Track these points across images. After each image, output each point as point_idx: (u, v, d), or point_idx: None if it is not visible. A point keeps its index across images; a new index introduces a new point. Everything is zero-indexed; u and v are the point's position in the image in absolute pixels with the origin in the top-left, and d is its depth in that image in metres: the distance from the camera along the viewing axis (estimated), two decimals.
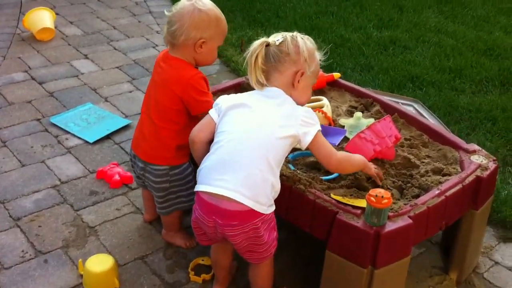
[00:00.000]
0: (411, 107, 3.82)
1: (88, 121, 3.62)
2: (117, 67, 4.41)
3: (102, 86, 4.09)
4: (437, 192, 2.20)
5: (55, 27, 4.98)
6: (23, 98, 3.86)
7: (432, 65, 4.68)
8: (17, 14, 5.21)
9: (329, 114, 2.78)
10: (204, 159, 2.09)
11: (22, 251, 2.59)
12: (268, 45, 2.09)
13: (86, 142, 3.41)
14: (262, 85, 2.12)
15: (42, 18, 4.74)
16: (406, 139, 2.64)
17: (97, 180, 3.09)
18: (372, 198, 1.98)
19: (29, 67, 4.32)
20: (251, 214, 2.00)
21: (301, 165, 2.44)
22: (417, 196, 2.25)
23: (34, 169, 3.15)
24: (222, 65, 4.59)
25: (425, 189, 2.28)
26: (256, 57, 2.08)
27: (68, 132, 3.49)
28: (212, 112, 2.16)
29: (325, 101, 2.84)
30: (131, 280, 2.47)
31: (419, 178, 2.36)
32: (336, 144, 2.59)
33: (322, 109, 2.76)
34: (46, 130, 3.51)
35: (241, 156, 2.00)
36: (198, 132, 2.17)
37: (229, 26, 4.74)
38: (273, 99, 2.10)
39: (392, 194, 2.24)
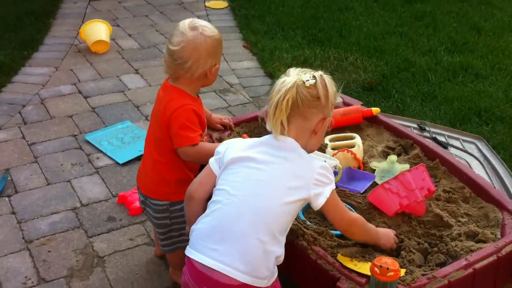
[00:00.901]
0: (473, 145, 3.46)
1: (123, 140, 3.53)
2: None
3: (146, 103, 4.00)
4: (464, 263, 1.88)
5: (113, 39, 4.98)
6: (65, 112, 3.84)
7: (505, 97, 4.24)
8: (78, 25, 5.26)
9: (360, 155, 2.50)
10: (198, 219, 1.84)
11: (26, 277, 2.51)
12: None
13: (117, 162, 3.31)
14: (280, 133, 1.81)
15: (97, 31, 4.75)
16: (444, 191, 2.32)
17: (118, 205, 2.98)
18: (376, 269, 1.70)
19: (78, 80, 4.32)
20: (246, 287, 1.74)
21: (314, 213, 2.19)
22: (442, 264, 1.94)
23: (58, 188, 3.09)
24: (272, 86, 4.36)
25: (453, 257, 1.96)
26: (287, 100, 1.74)
27: (100, 151, 3.41)
28: (212, 163, 1.90)
29: (357, 139, 2.57)
30: None
31: (449, 241, 2.04)
32: (361, 192, 2.31)
33: (353, 149, 2.49)
34: (80, 148, 3.46)
35: (240, 225, 1.73)
36: (198, 186, 1.91)
37: (286, 45, 4.57)
38: (286, 152, 1.80)
39: (411, 260, 1.95)
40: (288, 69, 1.87)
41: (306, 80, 1.78)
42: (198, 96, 2.30)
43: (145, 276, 2.54)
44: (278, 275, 1.84)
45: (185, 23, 2.16)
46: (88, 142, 3.50)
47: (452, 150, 3.42)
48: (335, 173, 2.31)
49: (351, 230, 1.93)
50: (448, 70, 4.63)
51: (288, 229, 1.83)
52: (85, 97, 4.06)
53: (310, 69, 1.86)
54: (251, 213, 1.73)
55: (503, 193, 2.25)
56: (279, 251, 1.77)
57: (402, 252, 2.01)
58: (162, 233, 2.34)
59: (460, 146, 3.47)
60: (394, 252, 2.03)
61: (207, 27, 2.17)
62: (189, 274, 1.80)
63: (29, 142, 3.48)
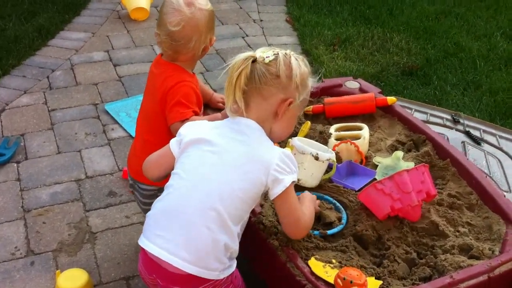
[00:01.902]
0: (511, 143, 3.17)
1: None
2: None
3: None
4: (448, 281, 1.67)
5: (155, 7, 4.90)
6: (91, 79, 3.82)
7: None
8: None
9: (364, 148, 2.30)
10: (153, 204, 1.73)
11: (15, 247, 2.51)
12: (254, 61, 1.64)
13: (130, 135, 3.26)
14: (237, 112, 1.69)
15: None
16: (449, 195, 2.10)
17: (122, 180, 2.92)
18: (339, 281, 1.55)
19: (112, 47, 4.28)
20: (197, 279, 1.61)
21: None
22: (427, 279, 1.75)
23: (67, 158, 3.07)
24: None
25: (440, 272, 1.76)
26: (239, 74, 1.61)
27: (117, 122, 3.37)
28: (172, 144, 1.75)
29: (364, 131, 2.37)
30: None
31: (439, 253, 1.83)
32: (357, 189, 2.13)
33: (358, 141, 2.30)
34: (98, 117, 3.43)
35: (187, 211, 1.61)
36: (152, 168, 1.80)
37: (329, 21, 4.32)
38: (244, 135, 1.67)
39: (393, 271, 1.77)
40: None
41: (266, 57, 1.64)
42: (194, 73, 2.19)
43: (132, 257, 2.48)
44: (251, 275, 1.72)
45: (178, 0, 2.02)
46: (107, 112, 3.46)
47: (485, 146, 3.14)
48: (330, 166, 2.14)
49: (303, 234, 1.77)
50: (501, 58, 4.27)
51: (245, 220, 1.70)
52: (114, 65, 4.02)
53: (279, 48, 1.70)
54: (199, 199, 1.61)
55: None
56: (231, 242, 1.63)
57: (385, 261, 1.82)
58: None
59: (495, 143, 3.18)
60: (377, 260, 1.86)
61: (198, 1, 2.03)
62: (141, 261, 1.71)
63: (49, 108, 3.48)
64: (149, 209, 2.19)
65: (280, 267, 1.76)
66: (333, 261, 1.75)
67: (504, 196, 2.06)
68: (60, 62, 3.99)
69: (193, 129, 1.74)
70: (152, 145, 2.11)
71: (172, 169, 1.74)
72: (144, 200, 2.22)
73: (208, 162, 1.65)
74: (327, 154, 2.06)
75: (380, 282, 1.70)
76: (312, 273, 1.70)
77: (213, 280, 1.63)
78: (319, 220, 1.97)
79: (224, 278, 1.66)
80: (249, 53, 1.65)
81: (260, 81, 1.63)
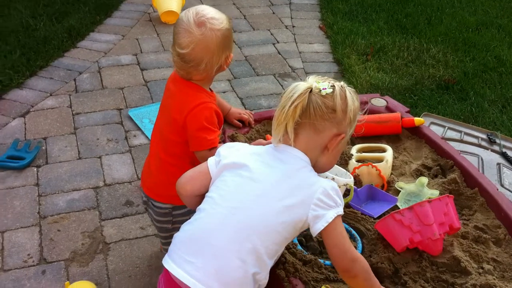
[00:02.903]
0: None
1: None
2: None
3: None
4: None
5: None
6: (117, 83, 3.79)
7: None
8: None
9: (387, 172, 2.19)
10: (182, 226, 1.65)
11: (28, 254, 2.48)
12: (310, 91, 1.58)
13: None
14: (285, 142, 1.61)
15: (169, 0, 4.63)
16: (476, 228, 1.97)
17: (140, 189, 2.86)
18: None
19: (141, 50, 4.25)
20: None
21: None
22: None
23: (87, 164, 3.04)
24: (337, 74, 4.06)
25: None
26: (296, 106, 1.55)
27: (139, 128, 3.33)
28: (210, 163, 1.68)
29: (387, 153, 2.25)
30: None
31: None
32: (375, 216, 2.02)
33: (380, 164, 2.19)
34: (121, 123, 3.39)
35: (221, 239, 1.53)
36: (186, 183, 1.70)
37: (364, 29, 4.20)
38: (288, 165, 1.59)
39: None
40: (308, 76, 1.65)
41: (323, 88, 1.58)
42: (212, 91, 2.11)
43: (144, 270, 2.43)
44: None
45: (189, 19, 1.90)
46: (130, 118, 3.42)
47: None
48: (346, 192, 2.03)
49: (353, 271, 1.59)
50: None
51: (280, 253, 1.62)
52: (142, 69, 3.98)
53: (332, 79, 1.64)
54: (236, 228, 1.53)
55: None
56: (263, 276, 1.55)
57: None
58: (163, 237, 2.20)
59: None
60: None
61: (214, 19, 1.93)
62: (164, 284, 1.64)
63: (74, 112, 3.46)
64: (163, 227, 2.16)
65: None
66: None
67: None
68: (88, 64, 3.98)
69: (234, 151, 1.67)
70: (170, 166, 2.05)
71: (206, 189, 1.67)
72: (158, 218, 2.15)
73: (247, 190, 1.57)
74: (344, 179, 1.96)
75: None
76: None
77: None
78: None
79: None
80: (306, 84, 1.59)
81: (316, 114, 1.57)
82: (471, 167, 2.18)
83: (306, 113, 1.56)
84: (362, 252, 1.87)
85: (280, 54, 4.30)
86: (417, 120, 2.40)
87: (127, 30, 4.54)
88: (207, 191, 1.66)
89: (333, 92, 1.57)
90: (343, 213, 1.58)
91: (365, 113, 1.79)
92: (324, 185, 1.56)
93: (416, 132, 2.42)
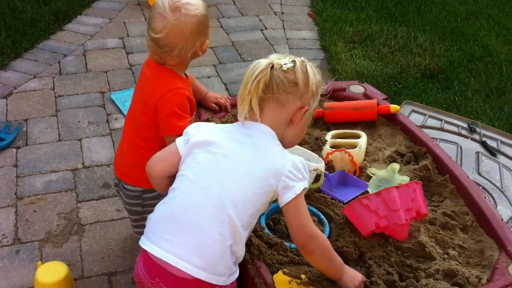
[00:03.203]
0: None
1: None
2: (211, 47, 4.11)
3: None
4: None
5: None
6: (102, 67, 3.78)
7: None
8: None
9: (359, 158, 2.19)
10: (156, 206, 1.67)
11: (3, 235, 2.49)
12: (272, 67, 1.62)
13: None
14: (250, 117, 1.65)
15: None
16: (444, 214, 1.98)
17: None
18: None
19: (127, 34, 4.23)
20: (203, 284, 1.56)
21: (283, 219, 1.92)
22: None
23: (66, 146, 3.04)
24: (323, 61, 4.05)
25: None
26: (258, 82, 1.60)
27: (121, 112, 3.32)
28: (179, 142, 1.70)
29: (361, 140, 2.25)
30: None
31: (422, 277, 1.72)
32: (345, 202, 2.02)
33: (352, 150, 2.19)
34: (103, 106, 3.39)
35: (197, 215, 1.56)
36: (156, 163, 1.72)
37: (353, 17, 4.18)
38: (256, 139, 1.63)
39: None
40: (270, 55, 1.68)
41: (284, 64, 1.62)
42: (187, 76, 2.10)
43: (118, 252, 2.44)
44: None
45: (165, 4, 1.90)
46: (113, 101, 3.41)
47: (501, 158, 2.99)
48: (317, 177, 2.03)
49: (311, 247, 1.63)
50: None
51: (254, 224, 1.65)
52: (127, 53, 3.97)
53: (293, 55, 1.68)
54: (212, 203, 1.56)
55: (508, 229, 1.87)
56: (239, 248, 1.60)
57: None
58: (134, 219, 2.21)
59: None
60: None
61: (190, 5, 1.92)
62: (142, 264, 1.65)
63: (56, 94, 3.46)
64: (133, 210, 2.16)
65: (249, 282, 1.68)
66: (302, 276, 1.66)
67: (502, 219, 1.93)
68: (73, 47, 3.96)
69: (202, 130, 1.70)
70: (140, 148, 2.05)
71: (176, 169, 1.69)
72: (128, 201, 2.15)
73: (219, 166, 1.61)
74: (314, 164, 1.96)
75: None
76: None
77: (219, 286, 1.58)
78: None
79: (229, 284, 1.61)
80: (267, 60, 1.63)
81: (278, 88, 1.61)
82: (443, 154, 2.19)
83: (269, 88, 1.60)
84: (329, 236, 1.87)
85: (267, 40, 4.28)
86: (393, 107, 2.40)
87: (115, 13, 4.52)
88: (177, 172, 1.68)
89: (294, 66, 1.61)
90: (308, 187, 1.63)
91: (328, 94, 1.82)
92: (293, 159, 1.61)
93: (392, 119, 2.42)
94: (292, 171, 1.59)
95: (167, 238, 1.57)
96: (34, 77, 3.60)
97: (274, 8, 4.81)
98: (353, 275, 1.68)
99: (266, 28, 4.47)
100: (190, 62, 2.07)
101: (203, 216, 1.56)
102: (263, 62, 1.62)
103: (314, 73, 1.66)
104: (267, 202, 1.63)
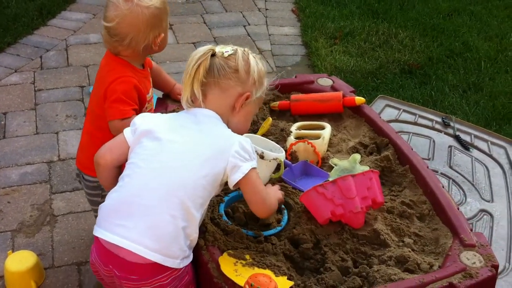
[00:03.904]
0: (502, 150, 3.06)
1: None
2: (193, 43, 4.16)
3: (165, 61, 3.89)
4: None
5: None
6: (83, 61, 3.82)
7: None
8: None
9: (322, 148, 2.23)
10: (107, 195, 1.71)
11: None
12: (213, 55, 1.68)
13: None
14: (195, 104, 1.71)
15: None
16: (402, 203, 2.01)
17: None
18: (247, 287, 1.49)
19: None
20: (156, 268, 1.60)
21: (245, 206, 1.95)
22: None
23: (43, 139, 3.08)
24: (304, 57, 4.09)
25: (371, 283, 1.69)
26: (198, 66, 1.65)
27: None
28: (127, 132, 1.73)
29: (325, 131, 2.28)
30: (53, 286, 2.27)
31: (375, 264, 1.76)
32: (304, 190, 2.06)
33: (315, 141, 2.22)
34: (82, 100, 3.43)
35: (148, 198, 1.60)
36: (105, 153, 1.74)
37: (335, 13, 4.22)
38: (201, 124, 1.68)
39: (320, 279, 1.70)
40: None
41: (226, 51, 1.69)
42: (144, 68, 2.13)
43: (89, 242, 2.48)
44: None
45: None
46: None
47: (474, 152, 3.03)
48: (278, 167, 2.07)
49: (270, 213, 1.82)
50: (509, 61, 4.10)
51: (206, 206, 1.69)
52: None
53: (238, 46, 1.75)
54: (161, 186, 1.60)
55: (463, 217, 1.91)
56: (193, 230, 1.64)
57: (319, 269, 1.77)
58: (95, 210, 2.24)
59: (486, 150, 3.06)
60: (311, 265, 1.79)
61: None
62: (96, 252, 1.68)
63: (36, 88, 3.50)
64: (93, 200, 2.20)
65: (203, 268, 1.72)
66: (247, 257, 1.69)
67: (458, 208, 1.96)
68: (55, 42, 4.00)
69: (148, 119, 1.73)
70: (97, 139, 2.08)
71: (125, 158, 1.72)
72: (88, 191, 2.20)
73: (167, 150, 1.64)
74: (273, 153, 1.99)
75: (292, 282, 1.64)
76: (221, 272, 1.64)
77: (172, 268, 1.61)
78: (257, 220, 1.91)
79: (183, 267, 1.64)
80: (208, 47, 1.69)
81: (219, 73, 1.66)
82: (404, 145, 2.22)
83: (210, 73, 1.65)
84: (287, 224, 1.91)
85: (249, 36, 4.32)
86: (358, 99, 2.43)
87: (99, 9, 4.55)
88: (125, 161, 1.71)
89: (235, 54, 1.68)
90: (256, 166, 1.68)
91: (277, 87, 1.87)
92: (239, 139, 1.66)
93: (357, 112, 2.46)
94: (239, 151, 1.64)
95: (120, 223, 1.60)
96: (16, 71, 3.64)
97: (258, 5, 4.85)
98: (275, 192, 1.86)
99: (249, 24, 4.50)
100: (145, 57, 2.10)
101: (154, 199, 1.59)
102: (203, 48, 1.68)
103: (256, 62, 1.72)
104: (218, 183, 1.67)
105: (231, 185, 1.66)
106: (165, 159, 1.63)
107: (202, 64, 1.64)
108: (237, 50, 1.71)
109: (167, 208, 1.58)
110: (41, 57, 3.82)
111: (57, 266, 2.37)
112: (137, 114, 1.99)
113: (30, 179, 2.80)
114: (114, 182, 1.74)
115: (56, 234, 2.51)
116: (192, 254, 1.69)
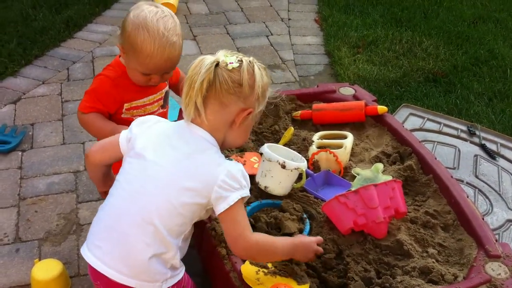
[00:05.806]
0: None
1: None
2: None
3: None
4: None
5: (185, 2, 4.93)
6: None
7: None
8: None
9: (344, 158, 2.23)
10: (100, 207, 1.68)
11: (5, 233, 2.58)
12: (217, 65, 1.56)
13: None
14: (197, 118, 1.60)
15: None
16: (426, 213, 2.01)
17: None
18: None
19: None
20: None
21: (267, 216, 1.96)
22: None
23: (70, 149, 3.12)
24: (327, 66, 4.08)
25: None
26: (202, 81, 1.53)
27: None
28: (122, 138, 1.69)
29: (347, 140, 2.29)
30: None
31: (398, 274, 1.75)
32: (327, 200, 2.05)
33: (337, 150, 2.23)
34: None
35: (123, 224, 1.58)
36: (96, 151, 1.77)
37: (358, 22, 4.19)
38: (192, 146, 1.60)
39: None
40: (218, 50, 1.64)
41: (230, 63, 1.56)
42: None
43: None
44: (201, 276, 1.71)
45: None
46: None
47: (500, 161, 2.99)
48: (300, 176, 2.08)
49: (248, 256, 1.66)
50: None
51: (188, 232, 1.64)
52: None
53: (242, 54, 1.63)
54: (137, 212, 1.57)
55: (488, 227, 1.88)
56: (170, 256, 1.61)
57: (341, 280, 1.76)
58: None
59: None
60: (335, 275, 1.79)
61: (138, 9, 2.11)
62: (88, 267, 1.68)
63: (63, 100, 3.55)
64: None
65: (224, 276, 1.73)
66: (269, 265, 1.69)
67: (483, 218, 1.94)
68: (82, 54, 4.07)
69: (145, 129, 1.67)
70: None
71: (115, 159, 1.76)
72: None
73: (149, 174, 1.59)
74: (295, 163, 2.00)
75: None
76: (242, 281, 1.65)
77: None
78: (279, 230, 1.91)
79: (170, 286, 1.64)
80: (213, 58, 1.57)
81: (221, 88, 1.55)
82: (427, 155, 2.21)
83: (212, 86, 1.54)
84: (309, 234, 1.91)
85: (272, 46, 4.34)
86: (380, 108, 2.43)
87: None
88: (115, 162, 1.76)
89: (240, 66, 1.56)
90: (249, 195, 1.60)
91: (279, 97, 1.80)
92: (229, 167, 1.57)
93: (379, 121, 2.45)
94: (226, 180, 1.55)
95: (99, 244, 1.62)
96: (43, 83, 3.71)
97: (281, 15, 4.86)
98: (305, 251, 1.70)
99: (271, 34, 4.52)
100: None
101: (129, 226, 1.57)
102: (207, 60, 1.55)
103: (261, 75, 1.60)
104: (201, 210, 1.61)
105: (215, 214, 1.59)
106: (146, 183, 1.59)
107: (206, 78, 1.53)
108: (242, 62, 1.58)
109: (142, 235, 1.56)
110: (68, 69, 3.89)
111: (82, 274, 2.39)
112: (105, 115, 2.06)
113: (57, 189, 2.85)
114: (102, 178, 1.82)
115: (81, 243, 2.53)
116: (181, 271, 1.67)
